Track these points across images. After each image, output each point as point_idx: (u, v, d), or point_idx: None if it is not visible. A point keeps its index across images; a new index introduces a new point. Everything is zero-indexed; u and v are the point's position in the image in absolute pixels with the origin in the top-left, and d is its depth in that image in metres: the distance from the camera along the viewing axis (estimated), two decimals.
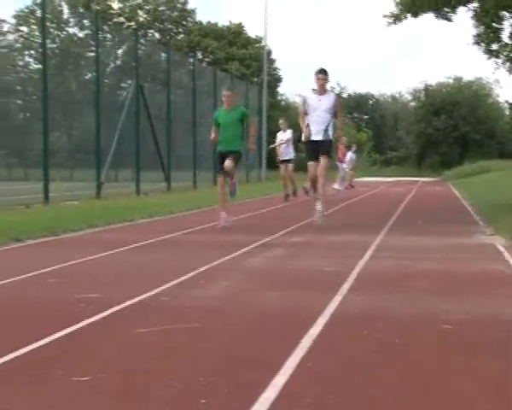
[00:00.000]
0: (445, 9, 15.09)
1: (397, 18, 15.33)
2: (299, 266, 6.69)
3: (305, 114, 10.41)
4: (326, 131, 10.25)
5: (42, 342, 3.74)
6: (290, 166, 17.51)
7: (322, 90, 10.35)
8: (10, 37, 31.91)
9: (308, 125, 10.31)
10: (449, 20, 15.18)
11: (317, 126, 10.25)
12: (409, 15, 15.21)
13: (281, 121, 18.35)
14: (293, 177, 17.60)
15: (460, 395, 2.99)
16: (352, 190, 23.84)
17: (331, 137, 10.39)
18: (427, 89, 55.68)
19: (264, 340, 3.87)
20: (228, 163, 10.02)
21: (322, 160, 10.24)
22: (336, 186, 22.16)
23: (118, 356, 3.54)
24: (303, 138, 10.49)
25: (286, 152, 17.60)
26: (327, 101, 10.32)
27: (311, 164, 10.43)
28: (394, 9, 15.37)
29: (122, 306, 4.68)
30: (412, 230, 10.05)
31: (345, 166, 24.61)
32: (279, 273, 6.24)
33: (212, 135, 10.38)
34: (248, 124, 10.64)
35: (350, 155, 25.69)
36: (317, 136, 10.27)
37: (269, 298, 5.07)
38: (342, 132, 12.43)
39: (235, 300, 5.00)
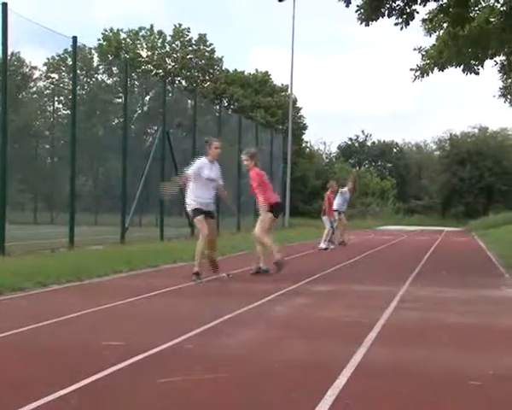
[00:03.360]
0: (472, 62, 15.17)
1: (423, 71, 15.43)
2: (323, 315, 6.66)
3: None
4: None
5: (67, 390, 3.75)
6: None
7: None
8: (41, 83, 32.66)
9: None
10: (476, 73, 15.24)
11: None
12: (435, 70, 15.33)
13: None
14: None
15: None
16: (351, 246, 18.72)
17: None
18: (451, 138, 55.65)
19: (290, 391, 3.85)
20: None
21: None
22: (322, 245, 17.56)
23: (143, 407, 3.53)
24: None
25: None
26: None
27: None
28: (421, 62, 15.50)
29: (146, 354, 4.68)
30: (437, 281, 9.96)
31: (332, 218, 18.37)
32: (303, 323, 6.22)
33: None
34: None
35: (340, 195, 19.15)
36: None
37: (294, 348, 5.05)
38: None
39: (261, 349, 4.98)
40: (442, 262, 13.77)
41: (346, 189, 19.57)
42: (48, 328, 5.68)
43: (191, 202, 9.56)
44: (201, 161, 9.67)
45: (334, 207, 18.71)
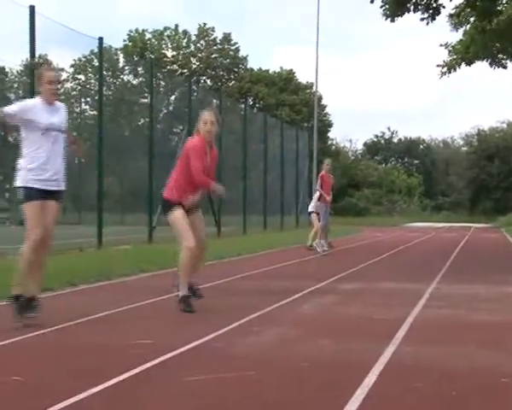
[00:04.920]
0: (500, 56, 15.03)
1: (450, 67, 15.33)
2: (350, 313, 6.63)
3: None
4: None
5: (97, 389, 3.77)
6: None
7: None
8: (68, 84, 32.97)
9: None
10: (504, 67, 15.11)
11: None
12: (463, 65, 15.23)
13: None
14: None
15: None
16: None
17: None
18: (479, 134, 55.13)
19: (319, 390, 3.83)
20: None
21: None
22: (322, 247, 14.66)
23: (173, 405, 3.54)
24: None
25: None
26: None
27: None
28: (448, 58, 15.40)
29: (175, 353, 4.69)
30: (466, 278, 9.88)
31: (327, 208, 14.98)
32: (331, 321, 6.19)
33: None
34: None
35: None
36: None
37: (321, 346, 5.03)
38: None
39: (288, 347, 4.97)
40: (471, 259, 13.65)
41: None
42: (76, 327, 5.72)
43: (22, 173, 5.77)
44: (32, 102, 5.98)
45: (310, 208, 15.92)
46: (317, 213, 15.25)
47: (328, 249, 14.72)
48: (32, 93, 12.68)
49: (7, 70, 30.60)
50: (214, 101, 25.93)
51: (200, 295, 6.74)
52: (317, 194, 15.23)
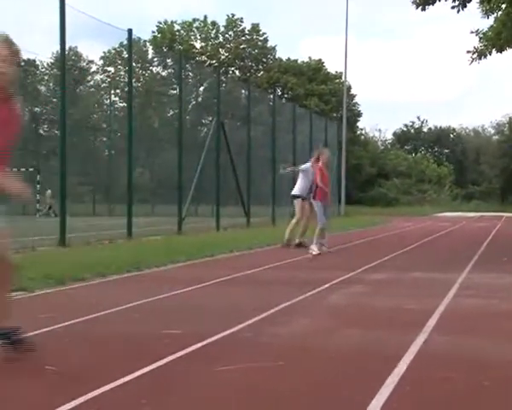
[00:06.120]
0: None
1: (481, 54, 15.11)
2: (380, 303, 6.60)
3: None
4: None
5: (129, 378, 3.80)
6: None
7: None
8: (97, 77, 33.22)
9: None
10: None
11: None
12: (493, 51, 14.99)
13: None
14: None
15: None
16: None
17: None
18: (511, 122, 54.44)
19: (349, 379, 3.83)
20: None
21: None
22: (316, 249, 11.94)
23: (203, 395, 3.55)
24: None
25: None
26: None
27: None
28: (478, 45, 15.18)
29: (205, 342, 4.71)
30: (497, 267, 9.77)
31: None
32: (361, 311, 6.17)
33: None
34: None
35: (303, 175, 13.64)
36: None
37: (351, 336, 5.02)
38: None
39: (318, 338, 4.97)
40: (502, 248, 13.50)
41: (308, 164, 13.49)
42: (108, 317, 5.77)
43: None
44: None
45: (296, 191, 13.77)
46: (304, 199, 13.41)
47: (326, 249, 12.30)
48: (63, 84, 12.79)
49: (37, 63, 30.95)
50: (243, 91, 25.92)
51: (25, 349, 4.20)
52: (302, 183, 13.44)
